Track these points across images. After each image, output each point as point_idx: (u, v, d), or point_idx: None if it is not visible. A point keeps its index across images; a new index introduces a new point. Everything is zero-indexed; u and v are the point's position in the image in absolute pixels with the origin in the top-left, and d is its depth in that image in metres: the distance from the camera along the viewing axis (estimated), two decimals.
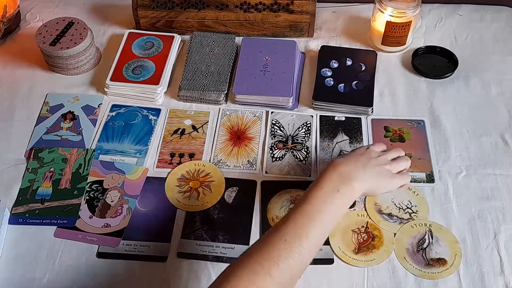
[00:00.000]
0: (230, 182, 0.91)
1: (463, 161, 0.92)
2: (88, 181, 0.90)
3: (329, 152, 0.94)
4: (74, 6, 1.21)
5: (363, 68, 1.04)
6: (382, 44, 1.08)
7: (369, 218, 0.86)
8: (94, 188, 0.90)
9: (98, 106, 1.02)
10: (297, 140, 0.96)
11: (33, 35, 1.05)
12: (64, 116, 1.00)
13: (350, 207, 0.86)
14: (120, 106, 1.02)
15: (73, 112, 1.01)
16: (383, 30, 1.05)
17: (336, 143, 0.96)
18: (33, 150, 0.95)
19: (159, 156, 0.94)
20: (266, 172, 0.92)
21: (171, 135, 0.97)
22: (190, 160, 0.94)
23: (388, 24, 1.04)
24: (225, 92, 1.02)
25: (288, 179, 0.91)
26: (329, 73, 1.04)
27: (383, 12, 1.04)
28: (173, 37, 1.09)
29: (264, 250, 0.67)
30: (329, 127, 0.98)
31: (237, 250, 0.82)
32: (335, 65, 1.05)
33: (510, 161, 0.92)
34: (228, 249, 0.83)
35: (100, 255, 0.82)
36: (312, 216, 0.70)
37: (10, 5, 1.12)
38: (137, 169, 0.92)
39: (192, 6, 1.09)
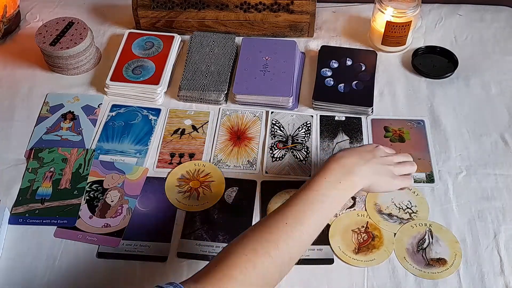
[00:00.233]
0: (230, 182, 0.91)
1: (463, 161, 0.92)
2: (88, 181, 0.90)
3: (329, 152, 0.94)
4: (74, 6, 1.21)
5: (363, 68, 1.04)
6: (382, 44, 1.08)
7: (369, 218, 0.86)
8: (94, 188, 0.90)
9: (98, 106, 1.02)
10: (297, 140, 0.96)
11: (33, 35, 1.05)
12: (64, 116, 1.00)
13: (350, 207, 0.86)
14: (120, 106, 1.02)
15: (73, 112, 1.01)
16: (383, 30, 1.05)
17: (336, 143, 0.96)
18: (33, 150, 0.95)
19: (159, 156, 0.94)
20: (266, 172, 0.92)
21: (171, 135, 0.97)
22: (190, 160, 0.94)
23: (388, 24, 1.04)
24: (225, 92, 1.02)
25: (288, 179, 0.91)
26: (329, 73, 1.04)
27: (383, 12, 1.04)
28: (173, 37, 1.09)
29: (266, 230, 0.68)
30: (329, 127, 0.98)
31: None
32: (335, 65, 1.05)
33: (510, 161, 0.92)
34: None
35: (100, 255, 0.82)
36: (314, 203, 0.72)
37: (10, 5, 1.12)
38: (137, 169, 0.92)
39: (192, 6, 1.09)
